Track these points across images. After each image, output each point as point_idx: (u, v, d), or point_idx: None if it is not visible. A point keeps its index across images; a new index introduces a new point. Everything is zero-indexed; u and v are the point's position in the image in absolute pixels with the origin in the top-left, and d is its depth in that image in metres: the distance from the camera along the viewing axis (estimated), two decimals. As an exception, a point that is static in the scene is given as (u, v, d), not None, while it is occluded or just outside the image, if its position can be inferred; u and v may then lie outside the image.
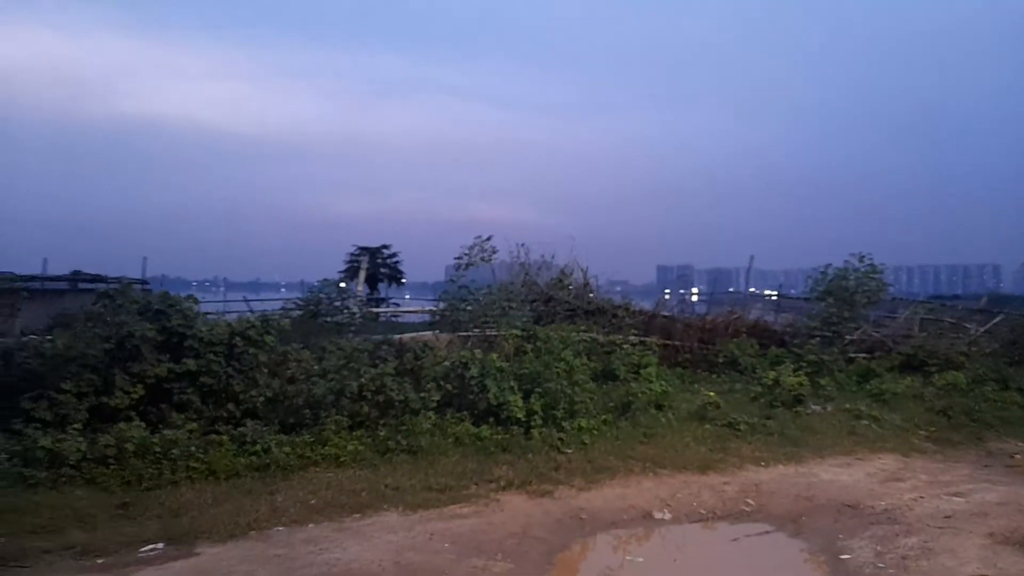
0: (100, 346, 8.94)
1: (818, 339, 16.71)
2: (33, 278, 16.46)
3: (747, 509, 8.05)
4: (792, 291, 29.11)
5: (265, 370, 10.06)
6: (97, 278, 17.72)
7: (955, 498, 8.46)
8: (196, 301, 10.37)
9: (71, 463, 7.80)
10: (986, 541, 7.01)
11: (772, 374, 13.28)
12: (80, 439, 8.03)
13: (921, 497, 8.45)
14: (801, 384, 12.69)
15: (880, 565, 6.46)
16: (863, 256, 17.19)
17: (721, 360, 16.01)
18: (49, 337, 9.39)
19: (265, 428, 9.05)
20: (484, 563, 6.29)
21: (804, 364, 14.48)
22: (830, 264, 17.64)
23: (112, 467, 7.91)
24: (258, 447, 8.61)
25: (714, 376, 15.50)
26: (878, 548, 6.85)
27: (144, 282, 16.85)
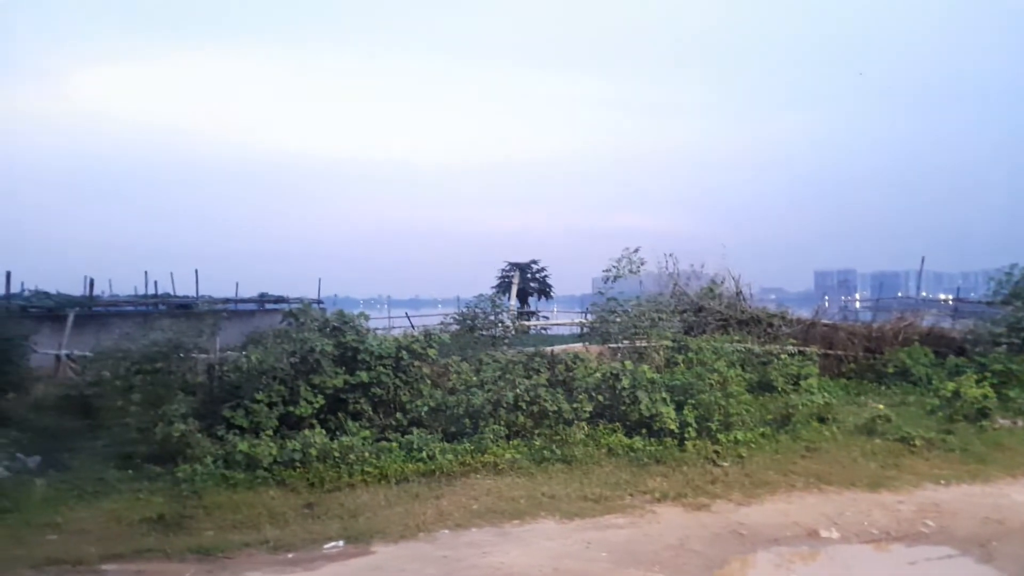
0: (287, 360, 9.96)
1: (1005, 346, 15.13)
2: (228, 300, 18.55)
3: (926, 531, 7.52)
4: (971, 295, 26.46)
5: (428, 381, 10.75)
6: (280, 299, 19.67)
7: None
8: (367, 317, 11.27)
9: (264, 466, 8.74)
10: None
11: (951, 385, 12.24)
12: (271, 444, 8.98)
13: None
14: (986, 396, 11.61)
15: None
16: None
17: (890, 370, 14.95)
18: (244, 352, 10.58)
19: (429, 436, 9.67)
20: (641, 574, 6.36)
21: (989, 374, 13.20)
22: (1016, 264, 15.98)
23: (298, 470, 8.78)
24: (424, 454, 9.20)
25: (883, 387, 14.52)
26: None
27: (320, 302, 18.46)
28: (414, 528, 7.37)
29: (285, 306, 13.03)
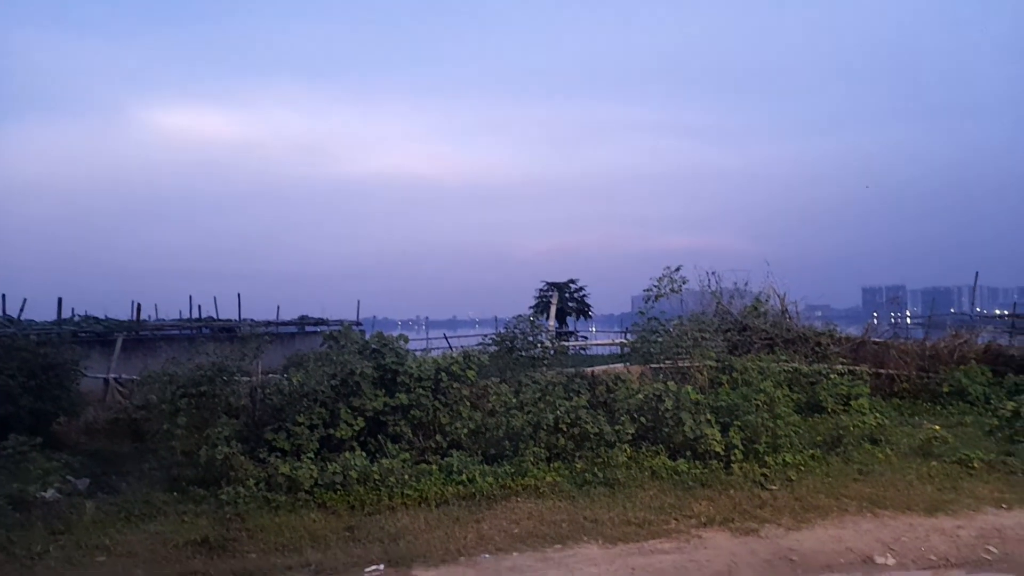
0: (328, 383, 10.02)
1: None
2: (269, 323, 18.86)
3: (988, 557, 7.17)
4: (1032, 310, 25.41)
5: (468, 403, 10.70)
6: (320, 321, 19.92)
7: None
8: (406, 340, 11.30)
9: (306, 488, 8.77)
10: None
11: (1011, 404, 11.73)
12: (312, 467, 9.02)
13: None
14: (1049, 416, 11.09)
15: None
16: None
17: (946, 390, 14.41)
18: (285, 375, 10.69)
19: (469, 458, 9.60)
20: (689, 601, 6.17)
21: (1052, 393, 12.63)
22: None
23: (339, 492, 8.79)
24: (464, 476, 9.13)
25: (938, 408, 14.00)
26: None
27: (359, 323, 18.63)
28: (455, 552, 7.30)
29: (325, 328, 13.18)
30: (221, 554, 7.29)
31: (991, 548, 7.35)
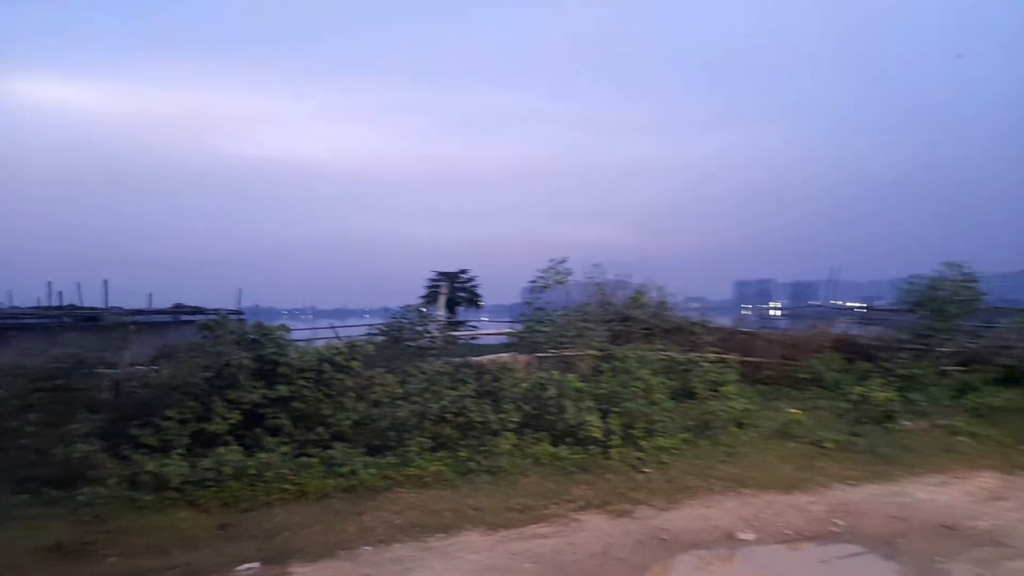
0: (201, 375, 9.54)
1: (909, 352, 15.99)
2: (139, 312, 17.70)
3: (836, 530, 7.80)
4: (879, 303, 27.89)
5: (352, 394, 10.50)
6: (197, 310, 18.91)
7: (1065, 519, 7.97)
8: (288, 330, 10.94)
9: (174, 486, 8.33)
10: (1101, 565, 6.59)
11: (859, 389, 12.83)
12: (183, 463, 8.58)
13: (1027, 517, 8.00)
14: (891, 399, 12.21)
15: (982, 589, 6.18)
16: (956, 264, 16.40)
17: (804, 376, 15.56)
18: (154, 367, 10.09)
19: (352, 450, 9.43)
20: (566, 583, 6.36)
21: (894, 379, 13.90)
22: (920, 273, 16.91)
23: (212, 489, 8.40)
24: (346, 469, 8.96)
25: (797, 393, 15.06)
26: (981, 572, 6.55)
27: (239, 313, 17.83)
28: (334, 546, 7.16)
29: (202, 318, 12.52)
30: (77, 559, 6.79)
31: (839, 521, 8.00)
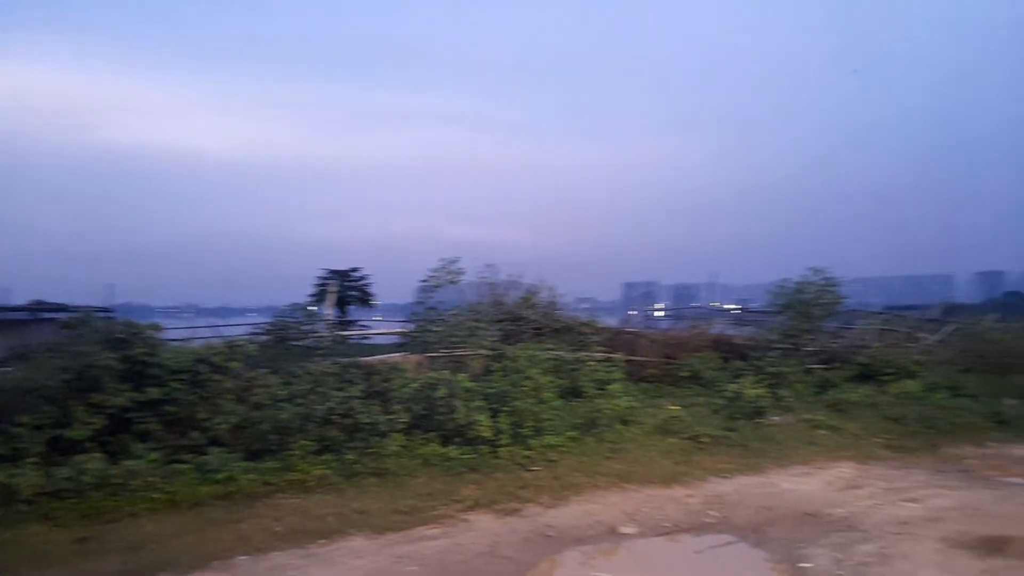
0: (59, 377, 8.81)
1: (778, 351, 17.08)
2: (-10, 308, 16.13)
3: (710, 521, 8.18)
4: (753, 305, 29.64)
5: (231, 396, 10.00)
6: (60, 307, 17.41)
7: (910, 504, 8.71)
8: (159, 328, 10.29)
9: (25, 498, 7.64)
10: (940, 546, 7.23)
11: (734, 387, 13.53)
12: (36, 473, 7.88)
13: (878, 504, 8.69)
14: (761, 396, 12.96)
15: (839, 572, 6.62)
16: (820, 270, 17.66)
17: (684, 374, 16.25)
18: (6, 369, 9.22)
19: (230, 455, 8.98)
20: (452, 584, 6.32)
21: (765, 376, 14.78)
22: (788, 278, 18.07)
23: (70, 500, 7.76)
24: (222, 475, 8.53)
25: (678, 390, 15.71)
26: (837, 556, 7.02)
27: (108, 310, 16.57)
28: (207, 557, 6.78)
29: (65, 315, 11.55)
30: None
31: (713, 512, 8.39)
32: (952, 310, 29.11)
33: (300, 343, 12.52)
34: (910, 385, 14.70)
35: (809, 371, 16.53)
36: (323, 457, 9.38)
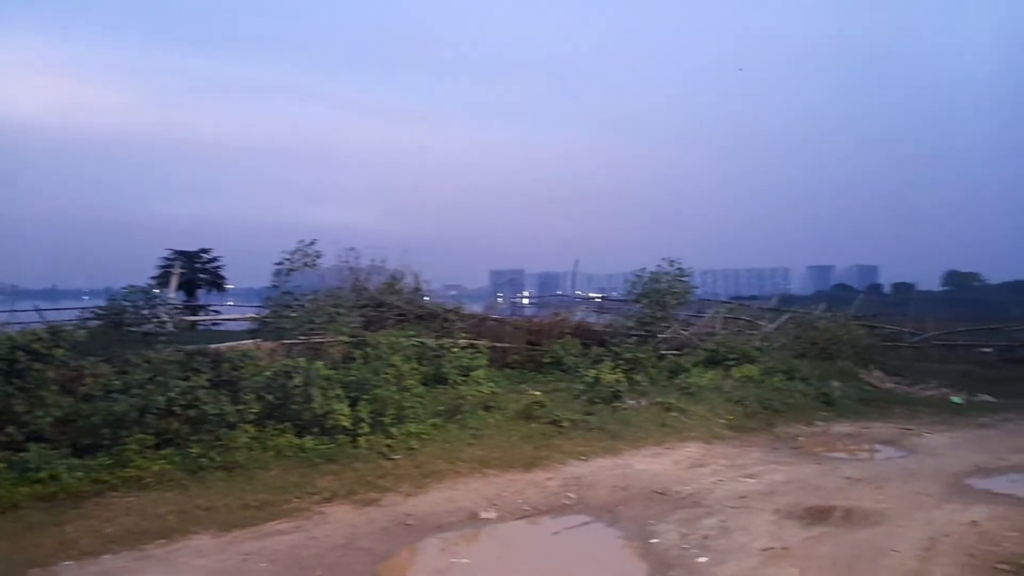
0: None
1: (634, 338, 17.84)
2: None
3: (568, 503, 8.38)
4: (614, 293, 30.89)
5: (55, 387, 9.01)
6: None
7: (749, 479, 9.36)
8: (-37, 312, 9.09)
9: None
10: (774, 517, 7.81)
11: (593, 372, 13.96)
12: None
13: (720, 480, 9.26)
14: (618, 381, 13.46)
15: (684, 546, 6.97)
16: (673, 261, 18.59)
17: (547, 360, 16.60)
18: None
19: (53, 452, 8.10)
20: (304, 579, 6.04)
21: (622, 362, 15.36)
22: (645, 268, 18.88)
23: None
24: (44, 473, 7.67)
25: (540, 376, 16.02)
26: (683, 531, 7.39)
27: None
28: (24, 564, 6.07)
29: None
30: None
31: (571, 494, 8.60)
32: (788, 300, 31.80)
33: (139, 329, 11.53)
34: (751, 369, 15.80)
35: (662, 357, 17.38)
36: (164, 452, 8.68)
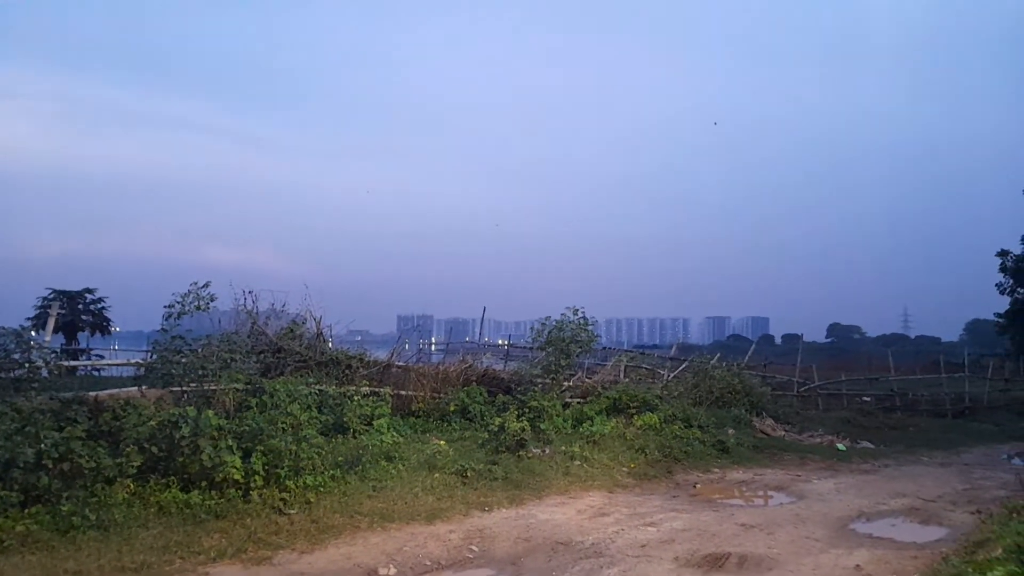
0: None
1: (539, 385, 17.93)
2: None
3: (471, 556, 8.20)
4: (522, 341, 31.08)
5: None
6: None
7: (649, 528, 9.49)
8: None
9: None
10: (672, 565, 7.92)
11: (498, 420, 13.86)
12: None
13: (622, 529, 9.34)
14: (523, 429, 13.42)
15: (586, 597, 6.96)
16: (577, 309, 18.93)
17: (452, 408, 16.38)
18: None
19: None
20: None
21: (527, 410, 15.37)
22: (550, 316, 19.12)
23: None
24: None
25: (446, 424, 15.79)
26: (585, 581, 7.38)
27: None
28: None
29: None
30: None
31: (473, 547, 8.43)
32: (686, 349, 33.02)
33: (8, 375, 10.56)
34: (652, 418, 16.16)
35: (567, 405, 17.52)
36: (30, 510, 7.92)
